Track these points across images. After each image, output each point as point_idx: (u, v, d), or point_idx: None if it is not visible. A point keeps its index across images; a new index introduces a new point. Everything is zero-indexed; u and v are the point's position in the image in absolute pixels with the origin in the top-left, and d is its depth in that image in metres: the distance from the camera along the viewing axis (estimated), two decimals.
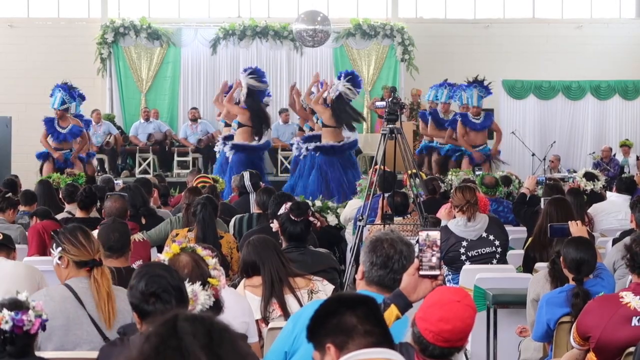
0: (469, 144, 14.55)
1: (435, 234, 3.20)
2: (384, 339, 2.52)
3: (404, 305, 3.21)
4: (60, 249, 4.17)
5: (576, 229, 5.30)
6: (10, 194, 8.68)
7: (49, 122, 14.00)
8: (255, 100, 13.77)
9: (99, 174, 14.75)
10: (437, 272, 3.19)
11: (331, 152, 13.20)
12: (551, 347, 4.90)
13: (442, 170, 14.47)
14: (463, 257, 6.69)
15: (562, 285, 4.92)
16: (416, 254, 3.24)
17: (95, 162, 15.33)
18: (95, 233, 5.65)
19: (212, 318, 1.96)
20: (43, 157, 14.10)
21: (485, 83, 14.77)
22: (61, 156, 13.79)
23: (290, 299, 4.73)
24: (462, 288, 3.16)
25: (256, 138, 13.72)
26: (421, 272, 3.21)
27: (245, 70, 14.04)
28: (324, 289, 4.82)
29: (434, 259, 3.19)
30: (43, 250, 7.13)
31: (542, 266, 5.86)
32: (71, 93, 14.01)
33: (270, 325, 4.59)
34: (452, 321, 2.86)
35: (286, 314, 4.62)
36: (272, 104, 18.22)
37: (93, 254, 4.13)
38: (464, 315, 2.88)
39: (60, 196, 9.26)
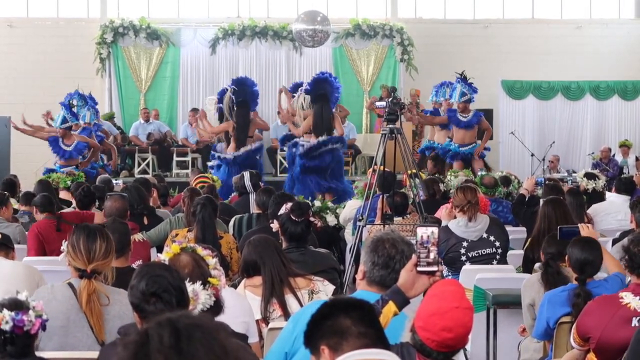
0: (456, 142, 14.33)
1: (433, 230, 3.21)
2: (378, 340, 2.51)
3: (402, 301, 3.22)
4: (65, 247, 4.19)
5: (587, 231, 5.29)
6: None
7: (53, 141, 13.65)
8: (244, 113, 13.25)
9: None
10: (434, 268, 3.20)
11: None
12: (551, 347, 4.89)
13: (437, 168, 14.45)
14: (463, 258, 6.68)
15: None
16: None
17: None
18: None
19: (183, 316, 1.88)
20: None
21: (470, 81, 14.53)
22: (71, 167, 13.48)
23: (290, 299, 4.72)
24: (456, 281, 3.15)
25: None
26: (419, 268, 3.21)
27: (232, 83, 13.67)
28: (325, 289, 4.82)
29: (432, 255, 3.20)
30: (42, 253, 7.10)
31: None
32: (73, 112, 13.59)
33: (270, 326, 4.57)
34: (455, 329, 2.86)
35: (286, 314, 4.61)
36: (270, 104, 18.29)
37: (87, 264, 4.07)
38: (464, 320, 2.88)
39: (60, 196, 9.25)
